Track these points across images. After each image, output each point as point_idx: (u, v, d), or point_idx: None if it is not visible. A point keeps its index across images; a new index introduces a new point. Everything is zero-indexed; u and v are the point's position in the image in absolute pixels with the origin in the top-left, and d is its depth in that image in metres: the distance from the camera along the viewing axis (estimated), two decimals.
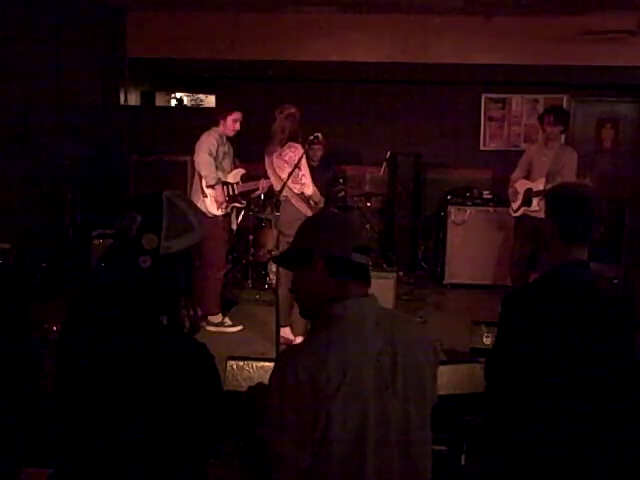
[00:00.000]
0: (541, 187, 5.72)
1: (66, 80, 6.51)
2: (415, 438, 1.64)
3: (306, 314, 1.77)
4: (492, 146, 7.97)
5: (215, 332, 5.50)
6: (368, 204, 7.19)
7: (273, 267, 6.14)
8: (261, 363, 2.88)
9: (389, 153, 7.27)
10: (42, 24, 6.16)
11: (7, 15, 5.67)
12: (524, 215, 5.90)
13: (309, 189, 5.01)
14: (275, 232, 5.19)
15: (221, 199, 5.34)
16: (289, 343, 4.74)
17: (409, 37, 7.32)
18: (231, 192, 5.48)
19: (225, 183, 5.43)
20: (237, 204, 5.62)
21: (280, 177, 4.93)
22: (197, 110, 9.85)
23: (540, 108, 7.34)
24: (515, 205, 6.00)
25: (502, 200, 6.95)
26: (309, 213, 4.94)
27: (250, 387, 1.93)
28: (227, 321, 5.63)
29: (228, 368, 2.85)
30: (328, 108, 7.73)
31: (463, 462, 2.66)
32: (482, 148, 7.99)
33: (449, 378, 2.90)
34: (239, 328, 5.62)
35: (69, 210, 6.43)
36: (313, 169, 5.19)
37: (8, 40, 5.69)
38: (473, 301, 6.63)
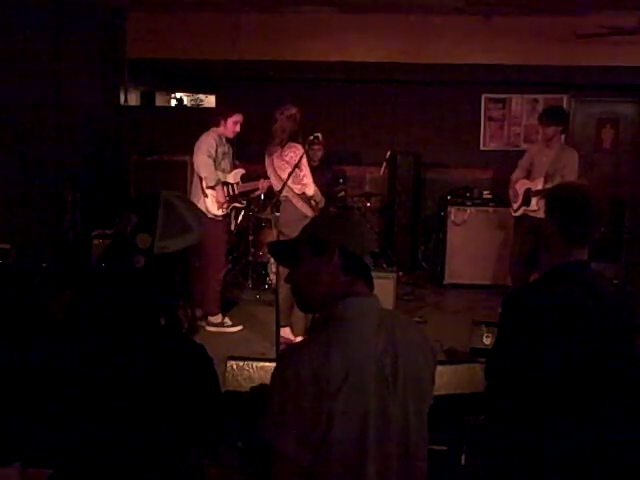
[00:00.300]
0: (540, 187, 5.73)
1: (66, 80, 6.51)
2: (414, 438, 1.65)
3: (306, 307, 1.75)
4: (492, 146, 7.97)
5: (215, 332, 5.51)
6: (368, 204, 7.19)
7: (273, 267, 6.14)
8: (261, 363, 2.87)
9: (389, 153, 7.28)
10: (42, 24, 6.16)
11: (7, 15, 5.67)
12: (524, 215, 5.92)
13: (310, 189, 5.01)
14: (275, 232, 5.19)
15: (222, 199, 5.34)
16: (289, 343, 4.74)
17: (409, 37, 7.31)
18: (231, 192, 5.48)
19: (225, 183, 5.43)
20: (237, 204, 5.63)
21: (281, 177, 4.93)
22: (197, 110, 9.85)
23: (540, 108, 7.34)
24: (515, 205, 6.02)
25: (502, 200, 6.95)
26: (310, 213, 4.95)
27: (252, 388, 1.94)
28: (227, 321, 5.63)
29: (228, 368, 2.84)
30: (328, 108, 7.73)
31: (463, 462, 2.65)
32: (482, 148, 7.99)
33: (449, 378, 2.89)
34: (239, 328, 5.62)
35: (69, 210, 6.43)
36: (313, 169, 5.20)
37: (8, 40, 5.69)
38: (473, 301, 6.63)
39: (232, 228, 5.82)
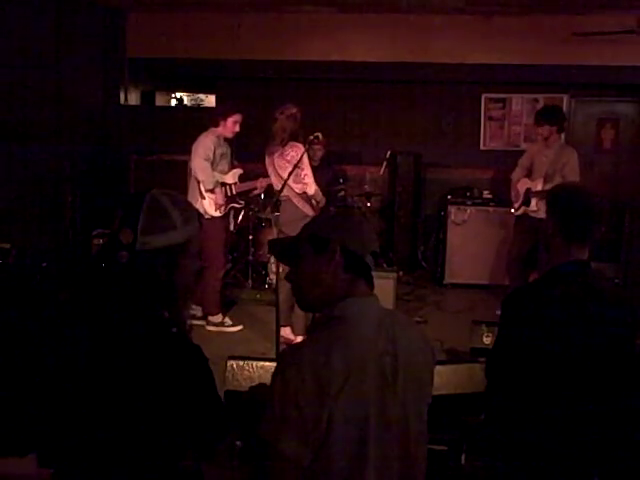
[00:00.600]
0: (540, 187, 5.73)
1: (66, 80, 6.51)
2: (414, 438, 1.65)
3: (306, 306, 1.75)
4: (492, 146, 7.97)
5: (215, 332, 5.51)
6: (368, 204, 7.19)
7: (273, 267, 6.14)
8: (261, 363, 2.87)
9: (389, 153, 7.28)
10: (42, 24, 6.16)
11: (7, 15, 5.67)
12: (524, 214, 5.92)
13: (311, 189, 5.01)
14: (275, 231, 5.19)
15: (221, 201, 5.34)
16: (289, 343, 4.74)
17: (409, 37, 7.31)
18: (229, 193, 5.48)
19: (223, 184, 5.43)
20: (235, 204, 5.62)
21: (281, 177, 4.92)
22: (197, 110, 9.84)
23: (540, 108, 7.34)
24: (516, 204, 6.02)
25: (502, 200, 6.95)
26: (311, 213, 4.95)
27: (251, 387, 1.93)
28: (227, 321, 5.63)
29: (228, 368, 2.84)
30: (328, 108, 7.73)
31: (463, 462, 2.65)
32: (482, 148, 7.99)
33: (449, 378, 2.89)
34: (239, 328, 5.62)
35: (69, 210, 6.43)
36: (314, 169, 5.19)
37: (8, 40, 5.70)
38: (473, 301, 6.63)
39: (232, 228, 5.82)
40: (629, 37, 6.75)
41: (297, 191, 4.98)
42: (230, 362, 2.86)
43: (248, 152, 6.05)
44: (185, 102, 10.51)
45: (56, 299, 4.46)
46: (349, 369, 1.53)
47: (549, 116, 5.77)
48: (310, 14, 7.27)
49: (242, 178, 5.61)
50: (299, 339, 4.96)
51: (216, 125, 5.36)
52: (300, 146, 4.95)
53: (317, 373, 1.50)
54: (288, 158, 4.96)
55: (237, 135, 5.50)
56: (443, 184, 7.79)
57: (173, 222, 1.62)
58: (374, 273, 1.71)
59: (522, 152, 6.28)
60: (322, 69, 7.48)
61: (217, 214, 5.37)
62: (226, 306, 5.91)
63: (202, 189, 5.30)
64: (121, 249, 1.58)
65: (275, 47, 7.35)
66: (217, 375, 1.70)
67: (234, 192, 5.52)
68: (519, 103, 7.90)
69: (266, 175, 5.29)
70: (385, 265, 6.63)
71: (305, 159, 4.91)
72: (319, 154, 6.53)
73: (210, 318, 5.58)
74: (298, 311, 4.91)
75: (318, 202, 5.13)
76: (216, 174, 5.34)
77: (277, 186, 5.01)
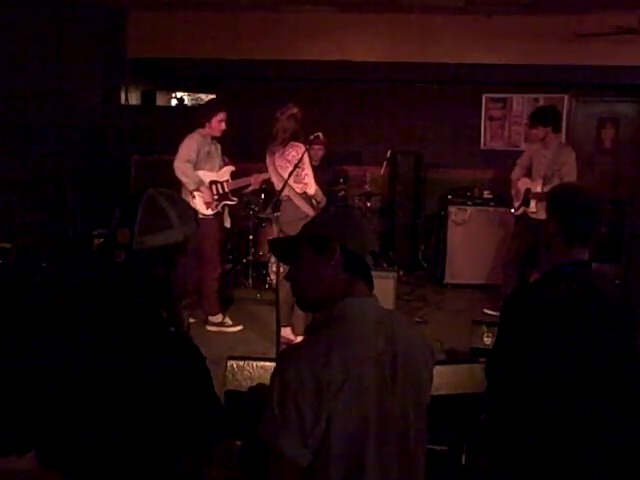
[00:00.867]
0: (539, 189, 5.73)
1: (67, 80, 6.51)
2: (413, 438, 1.65)
3: (306, 306, 1.75)
4: (492, 146, 7.97)
5: (216, 332, 5.51)
6: (368, 204, 7.19)
7: (274, 267, 6.14)
8: (262, 363, 2.87)
9: (389, 153, 7.28)
10: (42, 24, 6.16)
11: (7, 15, 5.67)
12: (524, 214, 5.92)
13: (312, 188, 5.01)
14: (276, 230, 5.19)
15: (209, 199, 5.35)
16: (290, 343, 4.74)
17: (409, 37, 7.31)
18: (220, 190, 5.48)
19: (213, 182, 5.44)
20: (228, 202, 5.61)
21: (282, 176, 4.93)
22: (197, 110, 9.83)
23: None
24: (516, 204, 6.02)
25: (503, 200, 6.95)
26: (311, 213, 4.94)
27: (251, 387, 1.93)
28: (227, 321, 5.63)
29: (228, 368, 2.84)
30: (328, 108, 7.72)
31: (463, 462, 2.65)
32: (482, 148, 7.99)
33: (449, 378, 2.90)
34: (239, 328, 5.62)
35: (69, 210, 6.43)
36: (314, 169, 5.20)
37: (8, 40, 5.70)
38: (473, 301, 6.63)
39: (227, 225, 5.80)
40: (629, 37, 6.74)
41: (298, 191, 4.99)
42: (230, 362, 2.87)
43: (248, 152, 6.05)
44: (186, 102, 10.52)
45: (56, 299, 4.45)
46: (348, 369, 1.52)
47: (542, 117, 5.77)
48: (310, 14, 7.26)
49: (233, 176, 5.59)
50: (299, 339, 4.95)
51: (202, 126, 5.37)
52: (301, 146, 4.95)
53: (316, 373, 1.49)
54: (289, 158, 4.96)
55: (236, 135, 5.50)
56: (443, 184, 7.79)
57: (170, 221, 1.62)
58: (374, 273, 1.71)
59: (522, 152, 6.28)
60: (322, 69, 7.47)
61: (209, 212, 5.37)
62: (226, 306, 5.92)
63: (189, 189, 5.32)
64: (118, 248, 1.58)
65: (275, 47, 7.35)
66: (217, 375, 1.70)
67: (226, 189, 5.52)
68: (519, 103, 7.90)
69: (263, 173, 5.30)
70: (385, 265, 6.62)
71: (306, 159, 4.92)
72: (320, 154, 6.53)
73: (210, 318, 5.58)
74: (298, 311, 4.91)
75: (318, 202, 5.13)
76: (200, 173, 5.35)
77: (278, 186, 5.01)
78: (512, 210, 6.14)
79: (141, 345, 1.57)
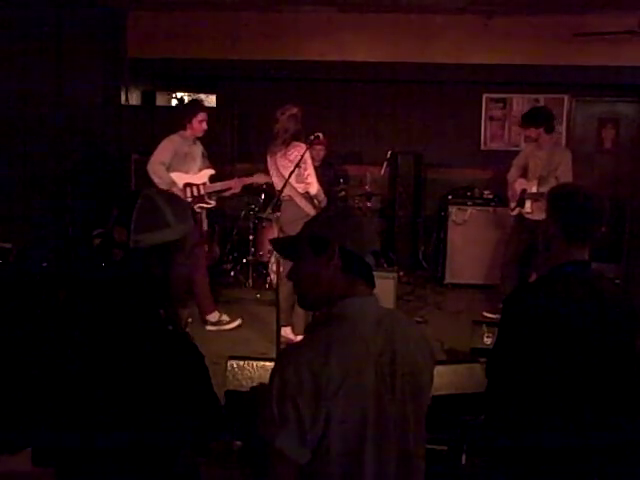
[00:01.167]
0: (534, 190, 5.74)
1: (67, 80, 6.51)
2: (412, 438, 1.65)
3: (307, 305, 1.75)
4: (493, 146, 7.97)
5: (216, 331, 5.51)
6: (368, 204, 7.19)
7: (274, 267, 6.14)
8: (262, 362, 2.88)
9: (390, 153, 7.27)
10: (42, 24, 6.15)
11: (7, 15, 5.67)
12: (519, 215, 5.93)
13: (314, 188, 5.02)
14: (276, 230, 5.19)
15: None
16: (290, 342, 4.74)
17: (409, 37, 7.30)
18: (196, 193, 5.49)
19: (188, 184, 5.44)
20: (204, 204, 5.60)
21: (284, 176, 4.93)
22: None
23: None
24: (513, 204, 6.03)
25: (503, 200, 6.95)
26: (312, 212, 4.95)
27: (252, 387, 1.93)
28: (224, 318, 5.63)
29: (229, 367, 2.84)
30: (328, 108, 7.73)
31: (463, 462, 2.66)
32: (483, 148, 7.99)
33: (449, 378, 2.90)
34: (238, 323, 5.62)
35: (69, 210, 6.43)
36: (315, 169, 5.20)
37: (8, 40, 5.69)
38: (473, 301, 6.64)
39: (204, 227, 5.79)
40: (629, 37, 6.74)
41: (300, 191, 4.99)
42: (231, 362, 2.87)
43: (248, 152, 6.04)
44: (186, 102, 10.51)
45: (56, 299, 4.46)
46: (347, 368, 1.53)
47: (533, 118, 5.78)
48: (310, 14, 7.26)
49: (211, 179, 5.58)
50: (299, 339, 4.95)
51: (183, 128, 5.40)
52: (303, 146, 4.95)
53: (315, 372, 1.49)
54: (291, 158, 4.97)
55: (237, 135, 5.50)
56: (444, 184, 7.79)
57: (167, 220, 1.63)
58: (374, 273, 1.71)
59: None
60: (322, 69, 7.47)
61: None
62: (227, 306, 5.92)
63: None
64: (116, 247, 1.58)
65: (275, 47, 7.35)
66: (217, 375, 1.70)
67: (202, 192, 5.52)
68: (520, 103, 7.90)
69: (267, 173, 5.30)
70: (385, 265, 6.63)
71: (308, 159, 4.92)
72: (321, 154, 6.54)
73: (207, 317, 5.57)
74: (299, 310, 4.91)
75: (320, 202, 5.13)
76: (174, 175, 5.37)
77: (279, 186, 5.01)
78: (510, 210, 6.15)
79: (139, 344, 1.57)
